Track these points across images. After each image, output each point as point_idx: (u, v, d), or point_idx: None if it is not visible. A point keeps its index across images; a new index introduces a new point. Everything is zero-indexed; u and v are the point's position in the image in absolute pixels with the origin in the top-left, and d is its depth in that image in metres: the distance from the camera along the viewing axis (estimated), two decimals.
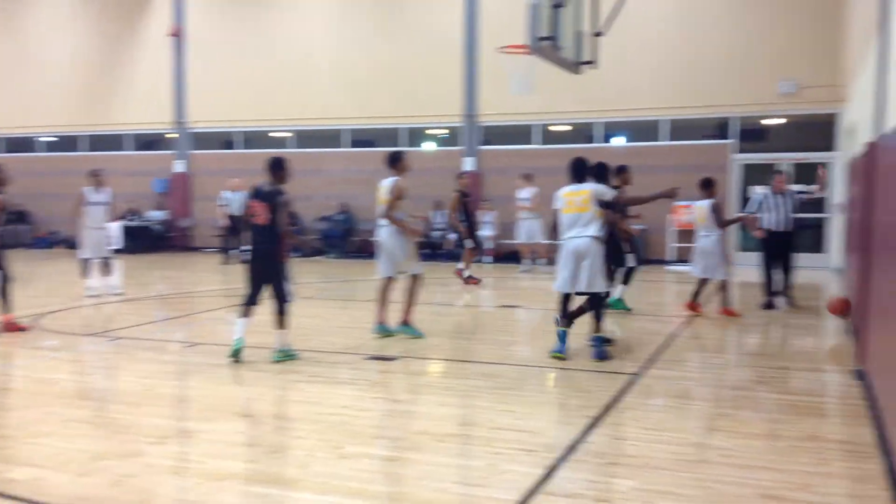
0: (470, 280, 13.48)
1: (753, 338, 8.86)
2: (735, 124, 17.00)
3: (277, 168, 7.31)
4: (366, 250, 18.98)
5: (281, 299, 7.20)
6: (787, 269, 10.74)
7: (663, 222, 16.94)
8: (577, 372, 7.00)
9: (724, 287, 9.82)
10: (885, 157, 5.89)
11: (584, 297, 7.47)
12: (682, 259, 15.79)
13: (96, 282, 11.93)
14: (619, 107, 17.38)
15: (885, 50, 7.45)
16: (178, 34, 21.40)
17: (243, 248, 7.47)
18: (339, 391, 6.29)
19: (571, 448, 4.79)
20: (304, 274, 15.99)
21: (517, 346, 8.45)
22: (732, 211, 15.73)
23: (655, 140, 17.51)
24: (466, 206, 13.53)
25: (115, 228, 15.69)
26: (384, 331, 8.47)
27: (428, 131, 19.85)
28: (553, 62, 9.06)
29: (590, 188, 7.41)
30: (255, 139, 21.32)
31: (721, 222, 9.85)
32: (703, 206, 9.87)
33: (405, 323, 8.50)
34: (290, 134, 20.87)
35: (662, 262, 16.95)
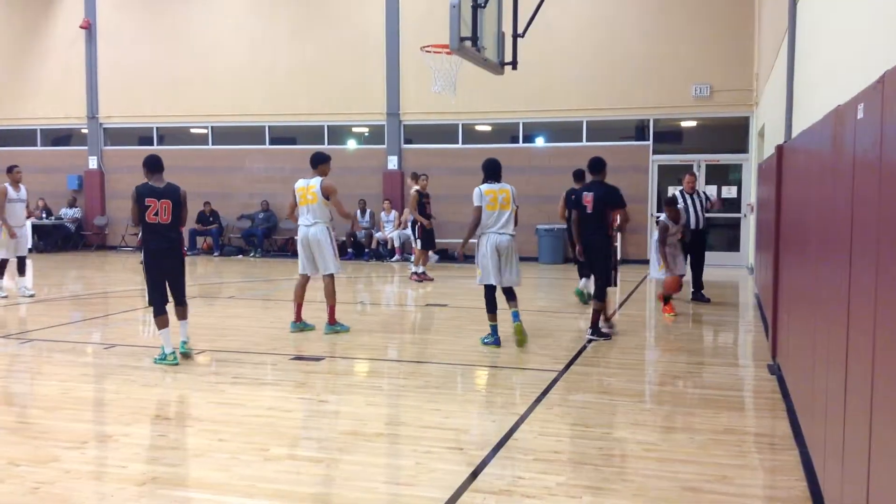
0: (423, 277, 13.78)
1: (673, 334, 9.12)
2: (652, 126, 17.44)
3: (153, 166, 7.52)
4: (288, 249, 18.76)
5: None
6: (698, 267, 11.12)
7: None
8: (502, 370, 7.10)
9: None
10: (791, 160, 6.16)
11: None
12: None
13: (8, 282, 11.49)
14: (541, 107, 17.61)
15: (793, 57, 7.81)
16: (88, 27, 20.66)
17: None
18: (263, 392, 6.21)
19: (499, 445, 4.85)
20: (225, 273, 15.69)
21: (443, 345, 8.49)
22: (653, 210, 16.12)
23: (578, 141, 17.78)
24: (425, 208, 14.01)
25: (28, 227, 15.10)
26: (301, 327, 8.68)
27: (351, 129, 19.69)
28: (475, 62, 9.14)
29: (510, 187, 7.87)
30: (171, 135, 20.73)
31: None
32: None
33: (331, 323, 8.60)
34: (204, 130, 20.36)
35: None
